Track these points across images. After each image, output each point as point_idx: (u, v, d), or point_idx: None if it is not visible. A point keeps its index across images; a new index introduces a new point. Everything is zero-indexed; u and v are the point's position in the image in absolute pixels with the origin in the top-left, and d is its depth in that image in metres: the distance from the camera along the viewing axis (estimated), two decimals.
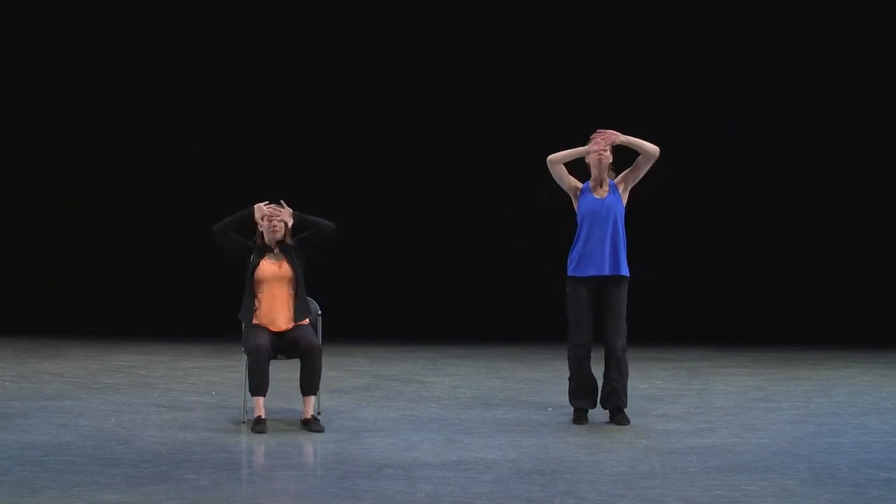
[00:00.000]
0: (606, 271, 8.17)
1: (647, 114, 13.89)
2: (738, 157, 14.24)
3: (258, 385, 7.93)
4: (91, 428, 7.84)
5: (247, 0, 14.46)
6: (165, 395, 9.40)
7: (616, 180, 8.33)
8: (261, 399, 7.92)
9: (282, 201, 8.25)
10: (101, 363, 11.32)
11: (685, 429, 8.08)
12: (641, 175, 8.32)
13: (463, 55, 14.39)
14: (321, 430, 7.80)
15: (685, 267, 14.11)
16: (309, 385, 7.95)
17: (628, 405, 8.29)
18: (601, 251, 8.17)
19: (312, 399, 7.98)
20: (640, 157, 8.28)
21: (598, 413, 8.43)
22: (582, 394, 8.28)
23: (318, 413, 8.09)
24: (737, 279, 14.31)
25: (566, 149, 8.35)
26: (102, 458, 6.89)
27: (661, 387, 10.01)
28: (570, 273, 8.29)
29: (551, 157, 8.35)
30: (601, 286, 8.23)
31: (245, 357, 8.13)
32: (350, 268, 13.52)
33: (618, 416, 8.23)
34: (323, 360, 8.07)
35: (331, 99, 14.35)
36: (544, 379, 10.54)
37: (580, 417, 8.26)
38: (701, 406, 9.12)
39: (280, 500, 6.16)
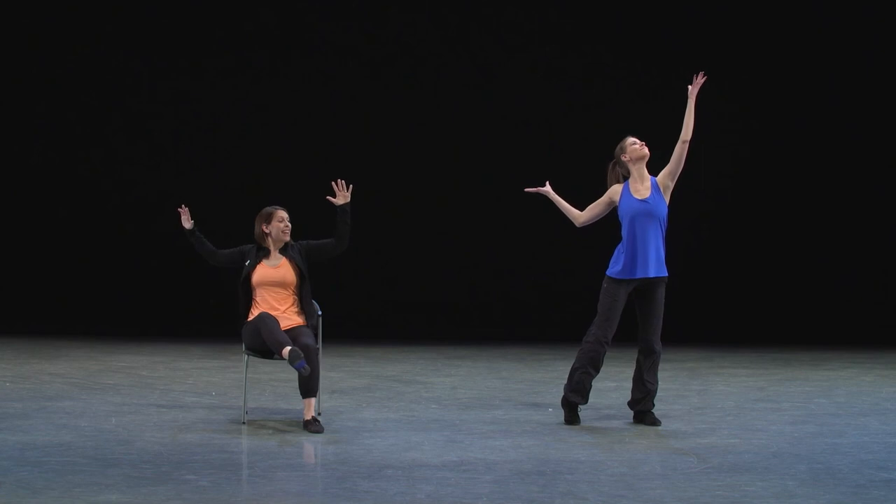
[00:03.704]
0: (652, 274, 8.09)
1: (648, 113, 13.91)
2: (738, 156, 14.24)
3: (278, 340, 7.77)
4: (91, 428, 7.84)
5: (247, 0, 14.46)
6: (166, 395, 9.39)
7: (658, 179, 8.20)
8: (287, 348, 7.71)
9: (342, 182, 8.21)
10: (101, 363, 11.32)
11: (685, 429, 8.08)
12: (682, 164, 8.19)
13: (465, 47, 14.39)
14: (321, 431, 7.79)
15: (685, 267, 14.09)
16: (307, 387, 7.93)
17: None
18: (647, 255, 8.07)
19: (312, 401, 7.95)
20: (677, 147, 8.16)
21: (603, 414, 8.44)
22: (580, 389, 8.20)
23: (319, 414, 8.09)
24: (737, 279, 14.32)
25: (562, 199, 8.45)
26: (103, 459, 6.88)
27: (661, 387, 9.97)
28: (612, 275, 8.13)
29: (579, 221, 8.39)
30: (642, 288, 8.13)
31: (246, 357, 8.13)
32: (350, 268, 13.52)
33: (649, 418, 8.18)
34: (321, 361, 8.07)
35: (331, 95, 14.33)
36: (544, 380, 10.54)
37: (573, 417, 8.23)
38: (701, 406, 9.12)
39: (280, 500, 6.15)
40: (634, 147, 8.21)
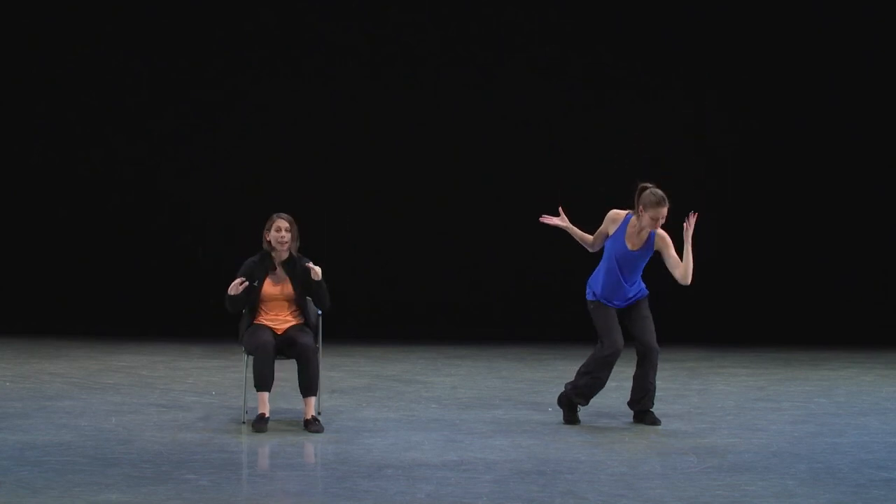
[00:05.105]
0: (628, 304, 8.22)
1: (648, 113, 13.91)
2: (737, 157, 14.24)
3: (263, 381, 7.88)
4: (91, 428, 7.84)
5: (247, 1, 14.46)
6: (165, 395, 9.40)
7: (657, 243, 8.16)
8: (265, 395, 7.89)
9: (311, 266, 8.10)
10: (101, 363, 11.32)
11: (685, 429, 8.09)
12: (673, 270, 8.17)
13: (465, 47, 14.38)
14: (321, 431, 7.80)
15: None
16: (307, 386, 7.94)
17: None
18: (624, 291, 8.18)
19: (312, 400, 7.96)
20: (679, 270, 8.10)
21: (603, 414, 8.43)
22: (587, 392, 8.23)
23: (319, 413, 8.09)
24: (737, 279, 14.31)
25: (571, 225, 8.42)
26: (103, 459, 6.89)
27: (661, 387, 9.94)
28: (593, 299, 8.24)
29: (593, 249, 8.38)
30: (624, 308, 8.26)
31: (246, 357, 8.13)
32: (350, 268, 13.52)
33: (649, 418, 8.20)
34: (320, 360, 8.07)
35: (331, 95, 14.33)
36: (544, 379, 10.54)
37: (573, 417, 8.24)
38: (701, 406, 9.13)
39: (280, 500, 6.16)
40: (653, 222, 8.09)
